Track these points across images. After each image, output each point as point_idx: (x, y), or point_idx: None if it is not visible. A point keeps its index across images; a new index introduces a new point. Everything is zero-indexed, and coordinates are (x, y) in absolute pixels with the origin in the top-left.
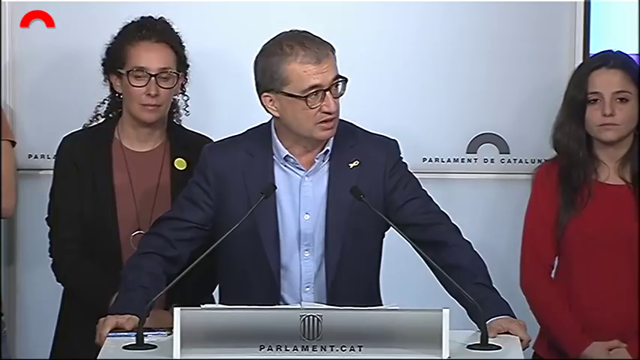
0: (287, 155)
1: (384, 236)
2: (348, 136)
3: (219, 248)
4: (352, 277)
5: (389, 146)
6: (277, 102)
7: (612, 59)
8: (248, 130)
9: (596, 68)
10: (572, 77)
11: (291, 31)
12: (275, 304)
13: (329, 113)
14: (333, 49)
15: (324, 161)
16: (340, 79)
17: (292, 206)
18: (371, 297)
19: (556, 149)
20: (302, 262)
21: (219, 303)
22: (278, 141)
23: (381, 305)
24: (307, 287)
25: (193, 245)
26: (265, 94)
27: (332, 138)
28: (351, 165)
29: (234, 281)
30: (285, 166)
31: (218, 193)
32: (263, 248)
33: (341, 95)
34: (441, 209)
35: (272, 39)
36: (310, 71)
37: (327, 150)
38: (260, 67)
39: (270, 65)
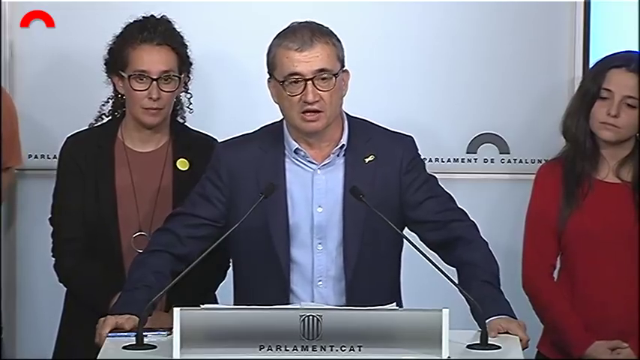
0: (297, 148)
1: (403, 229)
2: (364, 131)
3: (230, 243)
4: (371, 273)
5: (405, 142)
6: (273, 87)
7: (635, 62)
8: (261, 128)
9: (617, 67)
10: (592, 69)
11: (307, 20)
12: (286, 298)
13: (308, 104)
14: (332, 42)
15: (339, 156)
16: (325, 72)
17: (305, 199)
18: (391, 294)
19: (564, 136)
20: (315, 256)
21: (234, 297)
22: (288, 135)
23: (401, 303)
24: (320, 281)
25: (204, 243)
26: (268, 78)
27: (346, 133)
28: (367, 160)
29: (245, 275)
30: (297, 159)
31: (231, 190)
32: (272, 242)
33: (331, 90)
34: (459, 206)
35: None
36: (292, 58)
37: (343, 145)
38: (267, 52)
39: (269, 49)
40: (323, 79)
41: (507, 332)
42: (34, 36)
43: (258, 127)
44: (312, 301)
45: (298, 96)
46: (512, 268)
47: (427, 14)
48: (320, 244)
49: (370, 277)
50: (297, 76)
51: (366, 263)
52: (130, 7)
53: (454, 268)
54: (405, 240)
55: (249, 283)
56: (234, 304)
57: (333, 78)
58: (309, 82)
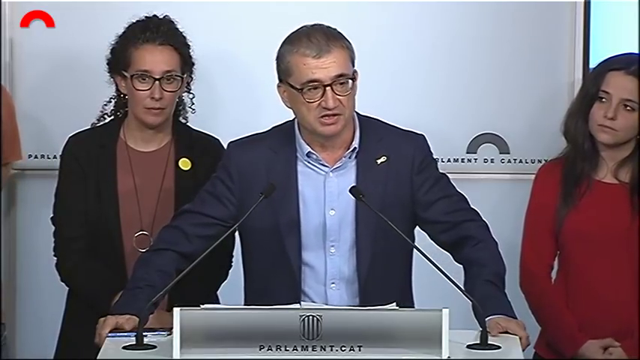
0: (309, 152)
1: (414, 228)
2: (375, 131)
3: (242, 244)
4: (384, 274)
5: (417, 141)
6: (287, 93)
7: (635, 65)
8: (272, 128)
9: (616, 69)
10: (592, 71)
11: (316, 24)
12: (297, 300)
13: (328, 109)
14: (346, 45)
15: (350, 158)
16: (343, 77)
17: (317, 202)
18: (403, 295)
19: (565, 136)
20: (328, 258)
21: (244, 299)
22: (300, 137)
23: (413, 305)
24: (333, 284)
25: (211, 242)
26: (279, 83)
27: (358, 135)
28: (379, 161)
29: (257, 277)
30: (309, 162)
31: (241, 190)
32: (284, 244)
33: (348, 94)
34: (471, 206)
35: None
36: (309, 65)
37: (355, 148)
38: (277, 56)
39: (281, 55)
40: (341, 84)
41: (507, 331)
42: (34, 36)
43: (269, 128)
44: (326, 303)
45: (317, 102)
46: (512, 269)
47: (427, 14)
48: (333, 246)
49: (383, 277)
50: (315, 83)
51: (378, 264)
52: (131, 7)
53: (458, 268)
54: (408, 240)
55: (261, 284)
56: (245, 306)
57: (350, 82)
58: (328, 88)
